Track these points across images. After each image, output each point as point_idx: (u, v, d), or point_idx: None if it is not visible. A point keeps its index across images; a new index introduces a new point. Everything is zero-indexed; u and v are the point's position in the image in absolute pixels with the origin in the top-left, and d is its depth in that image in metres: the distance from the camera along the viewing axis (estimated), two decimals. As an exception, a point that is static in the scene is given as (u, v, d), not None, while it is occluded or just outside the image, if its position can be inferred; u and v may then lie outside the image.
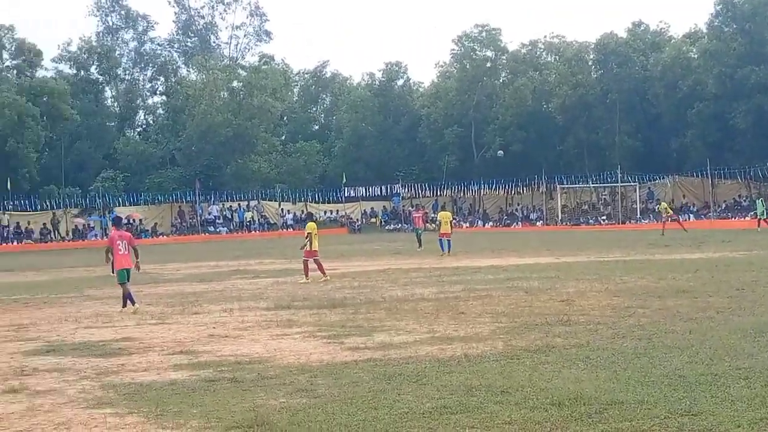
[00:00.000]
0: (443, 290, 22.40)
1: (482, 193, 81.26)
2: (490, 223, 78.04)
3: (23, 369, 13.10)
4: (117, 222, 22.92)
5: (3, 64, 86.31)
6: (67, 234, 73.49)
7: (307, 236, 28.11)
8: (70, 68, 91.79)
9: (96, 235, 70.21)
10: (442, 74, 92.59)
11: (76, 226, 74.22)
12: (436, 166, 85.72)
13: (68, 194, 76.43)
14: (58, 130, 78.76)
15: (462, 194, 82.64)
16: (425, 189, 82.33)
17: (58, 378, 12.29)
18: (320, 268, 27.76)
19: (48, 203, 74.44)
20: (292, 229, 74.49)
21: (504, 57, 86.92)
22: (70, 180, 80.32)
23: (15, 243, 69.77)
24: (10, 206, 72.79)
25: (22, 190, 73.65)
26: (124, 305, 20.57)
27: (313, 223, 28.93)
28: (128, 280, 20.93)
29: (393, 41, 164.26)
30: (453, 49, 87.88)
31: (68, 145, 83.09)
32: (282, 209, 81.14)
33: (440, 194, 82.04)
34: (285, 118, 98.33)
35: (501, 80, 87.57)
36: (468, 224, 77.21)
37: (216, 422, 9.24)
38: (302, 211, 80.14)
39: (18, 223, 72.52)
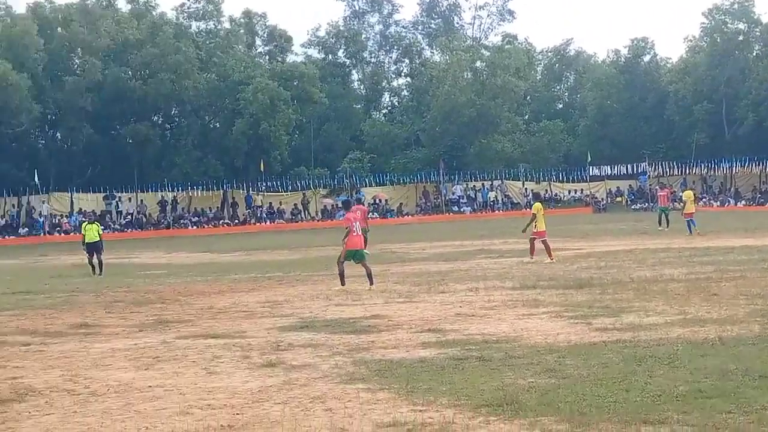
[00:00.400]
0: (694, 271, 21.76)
1: (734, 170, 78.10)
2: (743, 202, 74.96)
3: (279, 344, 13.62)
4: (346, 205, 23.95)
5: (256, 50, 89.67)
6: (317, 214, 75.70)
7: (533, 217, 28.10)
8: (318, 53, 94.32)
9: (343, 215, 71.87)
10: (690, 49, 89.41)
11: (324, 206, 76.36)
12: (685, 144, 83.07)
13: (317, 175, 78.57)
14: (308, 113, 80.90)
15: (712, 172, 79.73)
16: (673, 167, 79.87)
17: (312, 353, 12.70)
18: (532, 249, 27.79)
19: (298, 184, 76.90)
20: (535, 209, 73.90)
21: (757, 29, 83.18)
22: (319, 161, 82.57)
23: (268, 222, 72.48)
24: (263, 187, 75.66)
25: (275, 172, 76.34)
26: (343, 283, 21.23)
27: (539, 204, 28.98)
28: (356, 261, 21.58)
29: (639, 16, 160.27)
30: (703, 23, 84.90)
31: (317, 127, 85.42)
32: (525, 189, 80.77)
33: (689, 172, 79.42)
34: (528, 97, 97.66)
35: (754, 53, 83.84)
36: (718, 203, 74.53)
37: (465, 400, 9.31)
38: (546, 191, 79.66)
39: (270, 203, 75.32)
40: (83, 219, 36.16)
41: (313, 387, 10.41)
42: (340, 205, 74.54)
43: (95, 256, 30.59)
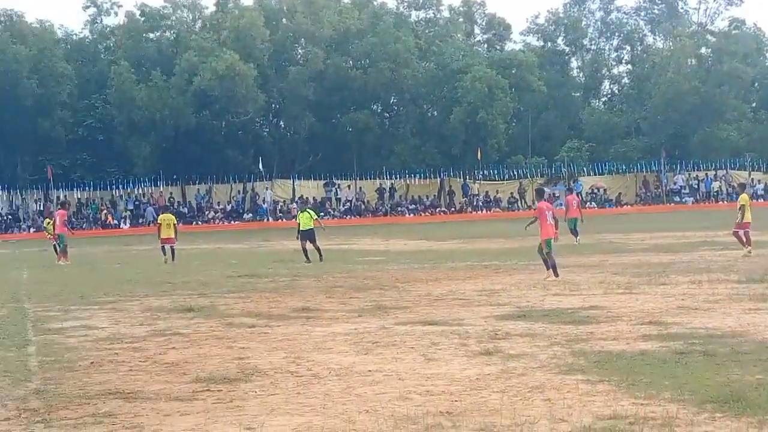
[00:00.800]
0: None
1: None
2: None
3: (496, 333, 13.58)
4: (539, 193, 24.47)
5: (474, 38, 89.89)
6: (533, 203, 75.01)
7: (740, 208, 27.44)
8: (537, 40, 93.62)
9: (561, 205, 71.05)
10: None
11: (542, 195, 75.69)
12: None
13: (534, 164, 78.17)
14: (525, 101, 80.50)
15: None
16: None
17: (530, 343, 12.61)
18: (746, 239, 26.93)
19: (515, 173, 76.74)
20: (762, 200, 71.06)
21: None
22: (536, 150, 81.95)
23: (484, 211, 72.68)
24: (480, 175, 75.88)
25: (491, 160, 76.39)
26: (556, 274, 21.18)
27: (745, 195, 28.41)
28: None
29: None
30: None
31: (535, 115, 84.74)
32: (752, 179, 77.82)
33: None
34: (756, 83, 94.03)
35: None
36: None
37: (689, 395, 9.02)
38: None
39: (487, 191, 75.45)
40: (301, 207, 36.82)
41: (531, 376, 10.33)
42: (556, 194, 74.01)
43: (310, 243, 30.60)
